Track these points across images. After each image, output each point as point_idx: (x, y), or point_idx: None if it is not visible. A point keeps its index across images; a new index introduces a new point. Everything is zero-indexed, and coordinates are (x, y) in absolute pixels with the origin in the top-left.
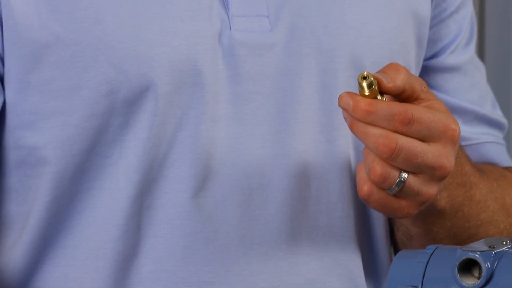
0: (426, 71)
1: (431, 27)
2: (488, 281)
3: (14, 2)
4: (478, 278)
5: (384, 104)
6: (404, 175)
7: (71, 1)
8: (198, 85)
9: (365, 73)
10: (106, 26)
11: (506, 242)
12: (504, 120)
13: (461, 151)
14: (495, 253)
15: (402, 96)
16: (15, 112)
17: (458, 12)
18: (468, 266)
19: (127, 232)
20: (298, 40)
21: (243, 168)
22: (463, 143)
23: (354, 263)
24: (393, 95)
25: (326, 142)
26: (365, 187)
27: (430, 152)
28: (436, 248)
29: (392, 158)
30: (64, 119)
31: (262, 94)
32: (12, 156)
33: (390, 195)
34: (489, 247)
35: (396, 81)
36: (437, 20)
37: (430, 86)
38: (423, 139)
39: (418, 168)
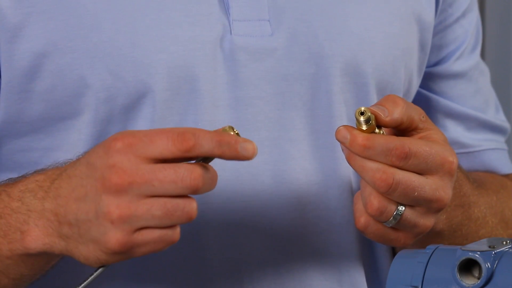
0: (431, 78)
1: (437, 33)
2: (488, 281)
3: (9, 14)
4: (478, 278)
5: (381, 138)
6: (401, 208)
7: (68, 8)
8: (196, 91)
9: (362, 108)
10: (103, 33)
11: (506, 242)
12: (506, 125)
13: (459, 171)
14: (495, 253)
15: (400, 128)
16: (24, 120)
17: (464, 17)
18: (468, 266)
19: None
20: (299, 45)
21: (242, 174)
22: (465, 150)
23: (355, 268)
24: (391, 128)
25: (325, 148)
26: (362, 219)
27: (427, 186)
28: (436, 248)
29: (389, 192)
30: (70, 123)
31: (262, 99)
32: (25, 158)
33: (387, 227)
34: (489, 247)
35: (393, 114)
36: (443, 25)
37: (434, 92)
38: (420, 172)
39: (415, 202)
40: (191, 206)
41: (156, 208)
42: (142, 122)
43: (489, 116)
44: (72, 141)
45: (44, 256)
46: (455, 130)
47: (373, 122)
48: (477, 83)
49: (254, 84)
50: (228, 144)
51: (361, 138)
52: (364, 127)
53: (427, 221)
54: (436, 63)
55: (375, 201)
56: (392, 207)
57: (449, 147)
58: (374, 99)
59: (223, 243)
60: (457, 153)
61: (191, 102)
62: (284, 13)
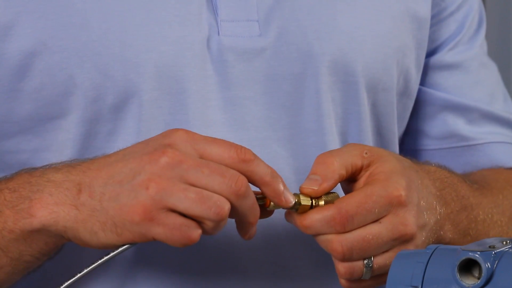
0: (424, 70)
1: (430, 26)
2: (488, 281)
3: None
4: (478, 278)
5: (316, 214)
6: (368, 261)
7: (57, 8)
8: (185, 91)
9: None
10: (92, 32)
11: (506, 242)
12: None
13: (452, 176)
14: (495, 253)
15: (346, 177)
16: (12, 120)
17: (459, 11)
18: (468, 266)
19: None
20: (287, 45)
21: None
22: (466, 144)
23: None
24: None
25: (314, 147)
26: (343, 281)
27: (384, 231)
28: (436, 248)
29: (346, 258)
30: (58, 123)
31: (251, 99)
32: (14, 159)
33: (369, 279)
34: (489, 247)
35: (326, 181)
36: (436, 19)
37: (428, 85)
38: (372, 221)
39: (380, 250)
40: (224, 203)
41: (192, 191)
42: (131, 121)
43: (494, 108)
44: (60, 141)
45: (45, 234)
46: (455, 123)
47: (299, 201)
48: (477, 74)
49: (243, 84)
50: (278, 180)
51: (299, 222)
52: (297, 210)
53: None
54: (428, 54)
55: (340, 267)
56: (358, 264)
57: (393, 179)
58: (364, 97)
59: (217, 242)
60: (459, 147)
61: (180, 102)
62: (273, 13)
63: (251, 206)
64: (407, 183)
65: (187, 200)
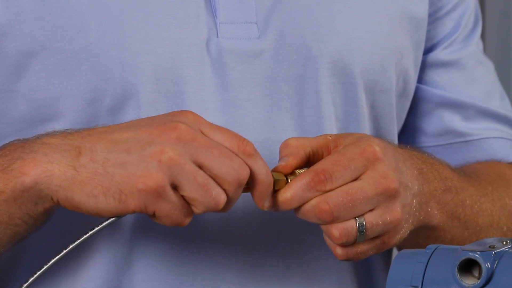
0: (420, 67)
1: (426, 25)
2: (488, 281)
3: None
4: (478, 278)
5: (295, 182)
6: (360, 219)
7: (56, 9)
8: (183, 93)
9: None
10: (90, 34)
11: (506, 242)
12: None
13: (432, 158)
14: (495, 253)
15: (316, 157)
16: (6, 121)
17: (455, 10)
18: (468, 266)
19: (118, 241)
20: (286, 47)
21: None
22: (462, 139)
23: (347, 272)
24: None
25: None
26: (338, 251)
27: (366, 185)
28: (436, 248)
29: (336, 216)
30: (51, 126)
31: (251, 101)
32: None
33: (364, 243)
34: (489, 247)
35: (293, 155)
36: (433, 18)
37: (425, 82)
38: (353, 180)
39: (366, 206)
40: (222, 196)
41: (201, 175)
42: None
43: (491, 105)
44: None
45: (35, 195)
46: (451, 119)
47: (276, 178)
48: (473, 72)
49: (242, 86)
50: (270, 183)
51: (280, 197)
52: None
53: (395, 213)
54: (424, 52)
55: (334, 231)
56: (351, 224)
57: (364, 139)
58: (362, 98)
59: (219, 240)
60: (455, 143)
61: (178, 104)
62: (272, 15)
63: (237, 197)
64: (380, 142)
65: (194, 183)
